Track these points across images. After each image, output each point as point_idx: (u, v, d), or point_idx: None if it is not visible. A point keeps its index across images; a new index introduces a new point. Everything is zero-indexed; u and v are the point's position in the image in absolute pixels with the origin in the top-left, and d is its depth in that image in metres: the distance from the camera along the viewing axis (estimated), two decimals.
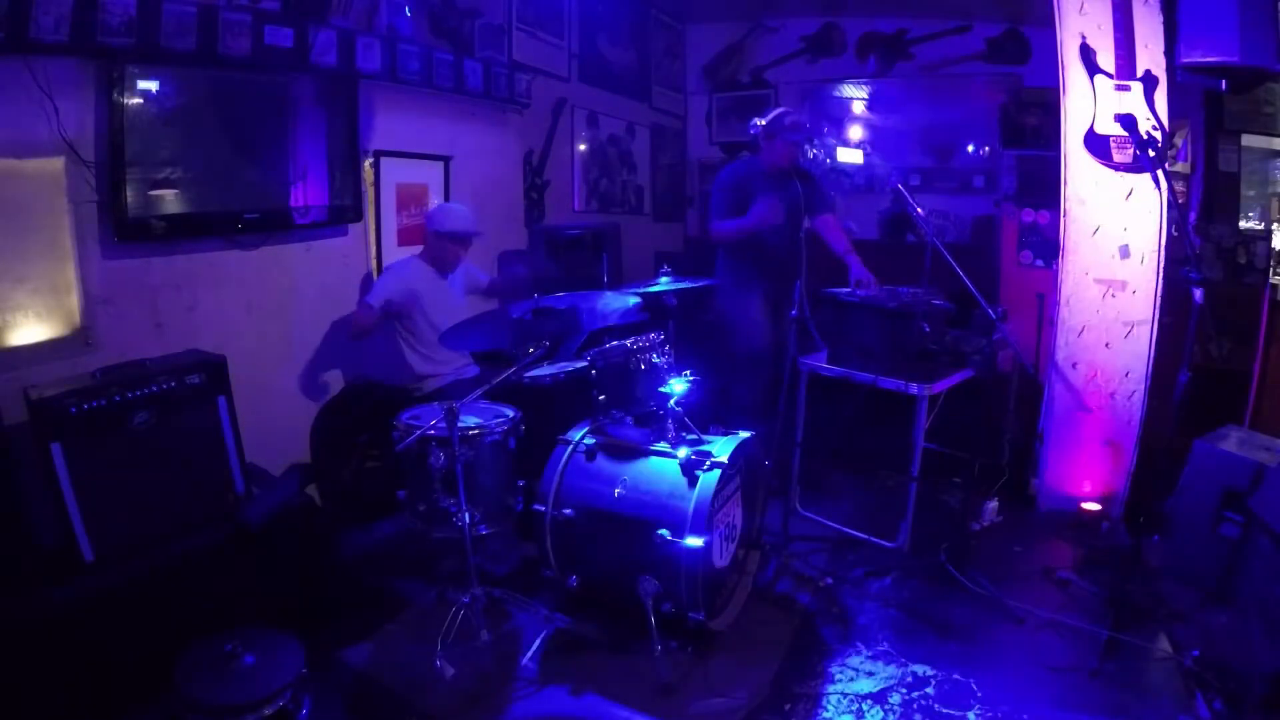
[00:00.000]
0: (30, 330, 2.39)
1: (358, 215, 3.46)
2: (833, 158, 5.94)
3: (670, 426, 2.52)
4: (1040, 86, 5.11)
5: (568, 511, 2.42)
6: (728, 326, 3.70)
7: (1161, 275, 3.13)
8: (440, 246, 3.24)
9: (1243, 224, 3.88)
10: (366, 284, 3.59)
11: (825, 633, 2.50)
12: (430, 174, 3.91)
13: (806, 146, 3.52)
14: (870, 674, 2.29)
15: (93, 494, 2.14)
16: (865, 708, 2.14)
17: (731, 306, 3.67)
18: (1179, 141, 3.97)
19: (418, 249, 3.41)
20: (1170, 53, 3.09)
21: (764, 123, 3.50)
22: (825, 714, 2.13)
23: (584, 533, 2.42)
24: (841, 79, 6.06)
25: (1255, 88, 3.70)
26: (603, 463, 2.49)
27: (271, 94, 3.04)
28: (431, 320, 3.15)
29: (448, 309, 3.17)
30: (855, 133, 6.06)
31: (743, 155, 3.69)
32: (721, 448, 2.42)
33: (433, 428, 2.32)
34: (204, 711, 1.75)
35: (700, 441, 2.47)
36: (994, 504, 3.26)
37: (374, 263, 3.63)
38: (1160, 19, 3.06)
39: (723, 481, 2.33)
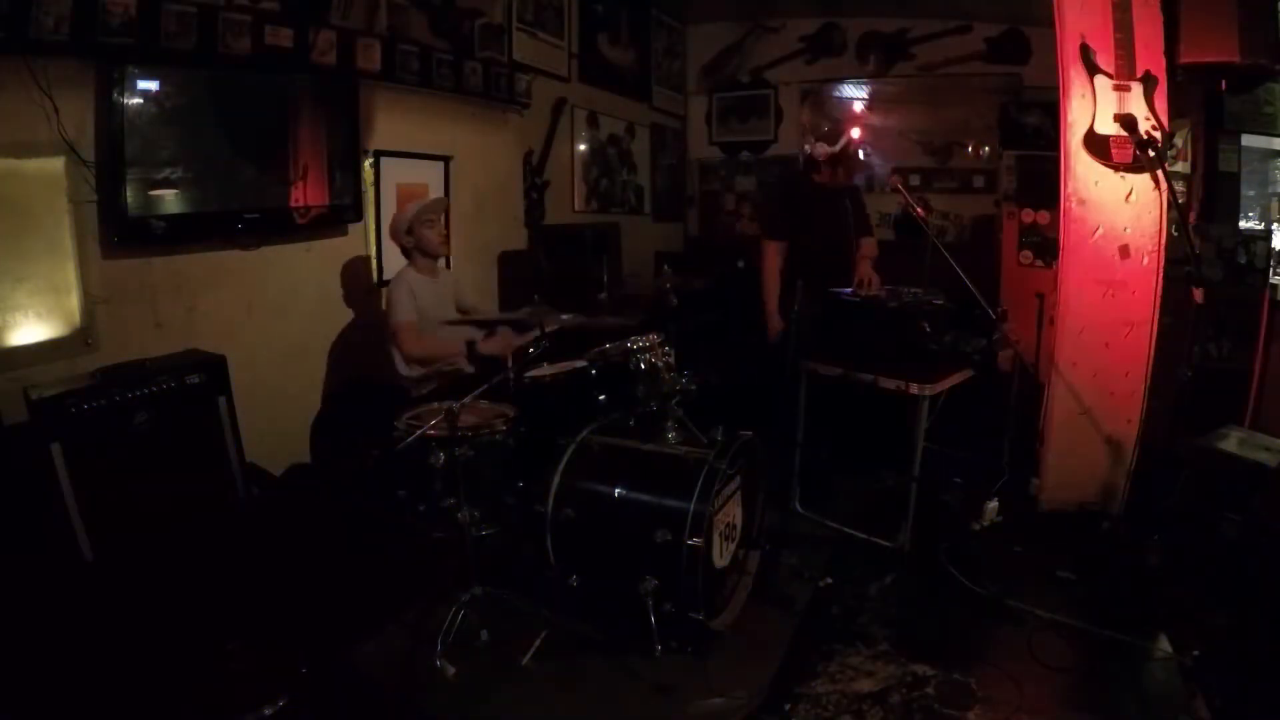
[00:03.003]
0: (30, 330, 2.39)
1: (358, 215, 3.46)
2: None
3: (670, 426, 2.52)
4: (1040, 86, 5.12)
5: (568, 511, 2.42)
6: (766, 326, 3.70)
7: (1161, 275, 3.13)
8: (418, 239, 3.15)
9: (1243, 224, 3.88)
10: (368, 287, 3.60)
11: (825, 633, 2.50)
12: (430, 174, 3.91)
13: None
14: (870, 674, 2.29)
15: (93, 494, 2.14)
16: (865, 708, 2.14)
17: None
18: (1179, 141, 3.97)
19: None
20: (1170, 53, 3.09)
21: (833, 150, 3.53)
22: (825, 714, 2.12)
23: (584, 533, 2.42)
24: (841, 79, 6.06)
25: (1255, 88, 3.69)
26: (603, 463, 2.49)
27: (271, 94, 3.04)
28: (428, 328, 3.14)
29: (442, 313, 3.17)
30: (855, 133, 6.05)
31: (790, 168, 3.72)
32: (722, 448, 2.42)
33: (433, 428, 2.32)
34: (204, 711, 1.75)
35: (700, 441, 2.47)
36: (994, 504, 3.26)
37: (374, 263, 3.63)
38: (1160, 19, 3.06)
39: (723, 481, 2.33)
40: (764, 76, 6.30)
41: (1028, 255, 4.98)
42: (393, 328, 3.07)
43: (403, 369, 3.16)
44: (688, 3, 6.20)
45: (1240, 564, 2.50)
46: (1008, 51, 5.52)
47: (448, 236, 3.29)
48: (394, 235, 3.24)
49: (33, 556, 2.12)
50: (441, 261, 3.34)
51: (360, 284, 3.57)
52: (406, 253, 3.22)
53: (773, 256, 3.61)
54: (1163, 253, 3.13)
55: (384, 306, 3.20)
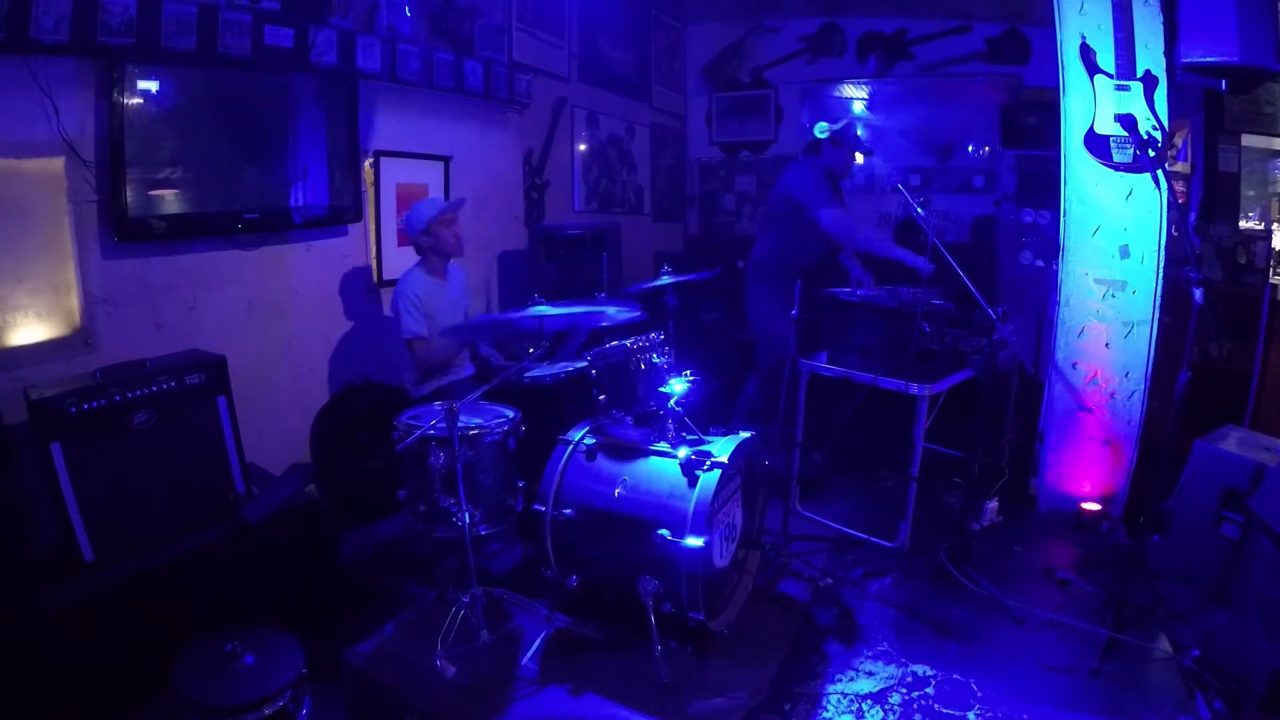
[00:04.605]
0: (30, 330, 2.39)
1: (358, 215, 3.46)
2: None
3: (670, 426, 2.52)
4: (1040, 86, 5.12)
5: (568, 511, 2.42)
6: (763, 335, 3.69)
7: (1161, 275, 3.14)
8: (435, 239, 3.14)
9: (1243, 224, 3.88)
10: (368, 287, 3.60)
11: (825, 632, 2.50)
12: (430, 174, 3.91)
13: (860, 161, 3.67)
14: (870, 674, 2.29)
15: (93, 494, 2.14)
16: (865, 708, 2.14)
17: (770, 315, 3.62)
18: (1179, 141, 3.97)
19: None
20: (1170, 53, 3.09)
21: (836, 129, 3.54)
22: (825, 714, 2.13)
23: (584, 533, 2.42)
24: (841, 79, 6.06)
25: (1255, 88, 3.69)
26: (603, 463, 2.49)
27: (271, 94, 3.04)
28: (439, 329, 3.13)
29: (452, 314, 3.17)
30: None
31: (798, 158, 3.76)
32: (721, 448, 2.42)
33: (433, 428, 2.32)
34: (203, 712, 1.75)
35: (700, 441, 2.47)
36: (994, 504, 3.26)
37: (374, 263, 3.63)
38: (1160, 19, 3.06)
39: (723, 481, 2.33)
40: (764, 76, 6.30)
41: (1028, 255, 4.98)
42: (406, 342, 3.09)
43: (413, 389, 3.16)
44: (688, 3, 6.20)
45: (1240, 564, 2.50)
46: (1008, 51, 5.52)
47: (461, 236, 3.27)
48: (410, 234, 3.20)
49: (32, 557, 2.12)
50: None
51: (360, 284, 3.57)
52: (421, 252, 3.21)
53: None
54: (1163, 253, 3.14)
55: (391, 313, 3.19)
